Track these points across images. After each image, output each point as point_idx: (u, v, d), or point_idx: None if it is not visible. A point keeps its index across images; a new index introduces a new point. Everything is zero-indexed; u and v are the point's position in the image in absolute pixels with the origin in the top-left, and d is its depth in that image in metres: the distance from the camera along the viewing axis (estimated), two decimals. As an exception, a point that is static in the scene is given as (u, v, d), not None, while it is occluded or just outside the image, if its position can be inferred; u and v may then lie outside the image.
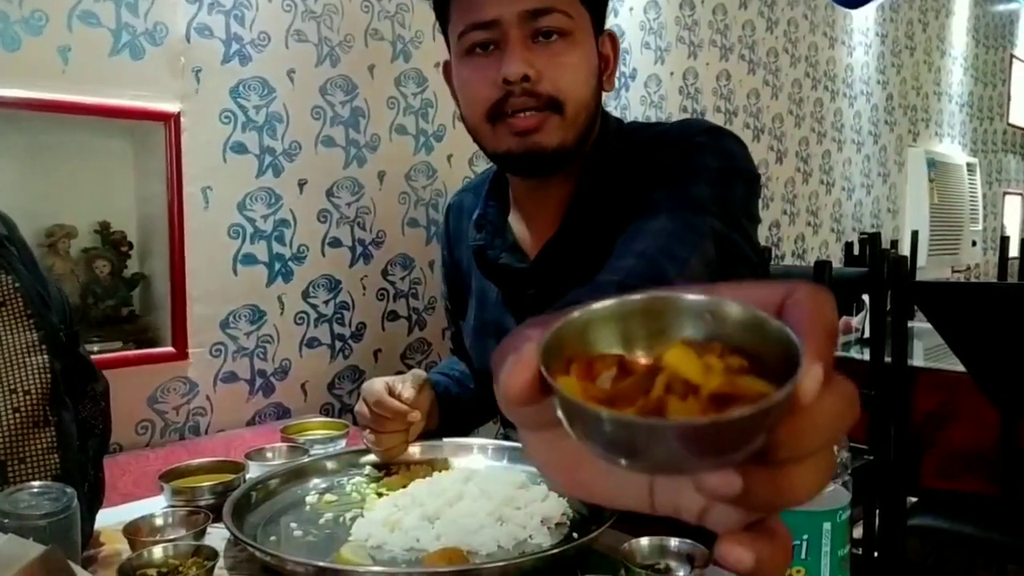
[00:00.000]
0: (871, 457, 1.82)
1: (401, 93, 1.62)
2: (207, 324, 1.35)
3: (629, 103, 2.25)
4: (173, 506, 0.87)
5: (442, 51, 1.04)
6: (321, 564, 0.71)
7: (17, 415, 0.71)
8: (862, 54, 3.45)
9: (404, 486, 0.90)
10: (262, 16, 1.40)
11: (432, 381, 1.05)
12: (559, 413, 0.27)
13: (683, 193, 0.85)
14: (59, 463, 0.73)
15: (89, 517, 0.78)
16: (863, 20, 3.44)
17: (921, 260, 3.71)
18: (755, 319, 0.27)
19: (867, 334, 2.26)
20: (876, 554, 1.83)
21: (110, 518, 0.84)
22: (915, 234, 3.57)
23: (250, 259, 1.41)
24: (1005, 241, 3.59)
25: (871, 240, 2.60)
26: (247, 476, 0.95)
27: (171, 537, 0.79)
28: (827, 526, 0.59)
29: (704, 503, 0.29)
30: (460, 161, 1.73)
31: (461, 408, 1.11)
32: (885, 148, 3.72)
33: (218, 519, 0.80)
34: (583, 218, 0.96)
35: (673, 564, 0.71)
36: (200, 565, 0.71)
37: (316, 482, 0.95)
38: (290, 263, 1.46)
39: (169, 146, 1.28)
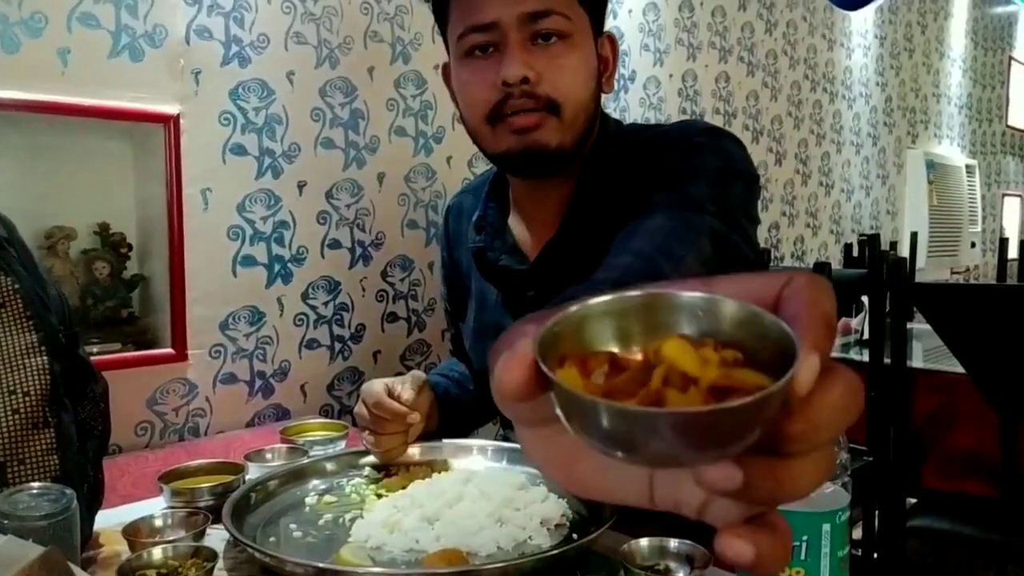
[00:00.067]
0: (871, 458, 1.82)
1: (400, 95, 1.62)
2: (206, 325, 1.35)
3: (628, 105, 2.25)
4: (172, 507, 0.87)
5: (441, 53, 1.04)
6: (320, 565, 0.71)
7: (16, 416, 0.71)
8: (861, 56, 3.46)
9: (403, 487, 0.90)
10: (261, 18, 1.40)
11: (431, 382, 1.04)
12: (556, 407, 0.27)
13: (681, 193, 0.85)
14: (58, 464, 0.73)
15: (88, 518, 0.78)
16: (862, 22, 3.44)
17: (920, 262, 3.71)
18: (751, 314, 0.27)
19: (866, 335, 2.26)
20: (876, 555, 1.84)
21: (109, 519, 0.84)
22: (914, 236, 3.57)
23: (249, 261, 1.41)
24: (1004, 243, 3.59)
25: (870, 242, 2.60)
26: (246, 477, 0.95)
27: (170, 538, 0.79)
28: (827, 527, 0.59)
29: (704, 497, 0.29)
30: (459, 163, 1.73)
31: (461, 409, 1.10)
32: (884, 150, 3.72)
33: (217, 520, 0.80)
34: (582, 220, 0.96)
35: (673, 565, 0.70)
36: (199, 566, 0.71)
37: (315, 483, 0.95)
38: (289, 265, 1.46)
39: (168, 148, 1.28)
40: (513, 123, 0.91)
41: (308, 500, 0.90)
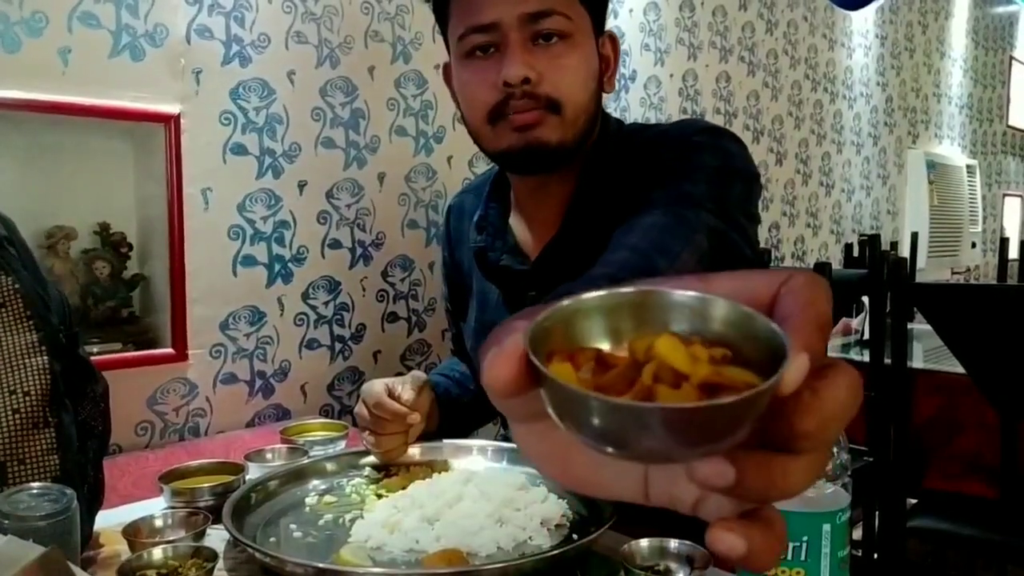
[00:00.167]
0: (871, 458, 1.82)
1: (401, 95, 1.62)
2: (207, 325, 1.35)
3: (629, 105, 2.25)
4: (173, 507, 0.87)
5: (442, 53, 1.04)
6: (321, 565, 0.71)
7: (17, 416, 0.71)
8: (862, 56, 3.45)
9: (404, 487, 0.90)
10: (262, 18, 1.40)
11: (432, 382, 1.04)
12: (546, 401, 0.27)
13: (680, 190, 0.85)
14: (59, 464, 0.73)
15: (88, 518, 0.78)
16: (863, 22, 3.44)
17: (921, 262, 3.71)
18: (741, 315, 0.28)
19: (867, 336, 2.26)
20: (876, 555, 1.84)
21: (110, 519, 0.84)
22: (915, 236, 3.57)
23: (250, 260, 1.41)
24: (1005, 243, 3.59)
25: (871, 242, 2.60)
26: (247, 477, 0.95)
27: (171, 538, 0.79)
28: (827, 527, 0.59)
29: (698, 493, 0.29)
30: (460, 163, 1.73)
31: (461, 409, 1.10)
32: (885, 150, 3.72)
33: (218, 520, 0.80)
34: (583, 219, 0.96)
35: (673, 566, 0.70)
36: (200, 566, 0.71)
37: (316, 483, 0.95)
38: (290, 264, 1.46)
39: (169, 147, 1.28)
40: (514, 121, 0.91)
41: (308, 500, 0.90)
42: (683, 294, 0.29)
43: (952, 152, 4.40)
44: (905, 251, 3.44)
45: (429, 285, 1.68)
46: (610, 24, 1.02)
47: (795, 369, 0.25)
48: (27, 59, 1.15)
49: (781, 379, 0.25)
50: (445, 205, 1.34)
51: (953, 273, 4.39)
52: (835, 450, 0.62)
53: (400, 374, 1.04)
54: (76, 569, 0.55)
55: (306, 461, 0.99)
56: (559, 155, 0.93)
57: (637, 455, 0.27)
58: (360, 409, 0.99)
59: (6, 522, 0.61)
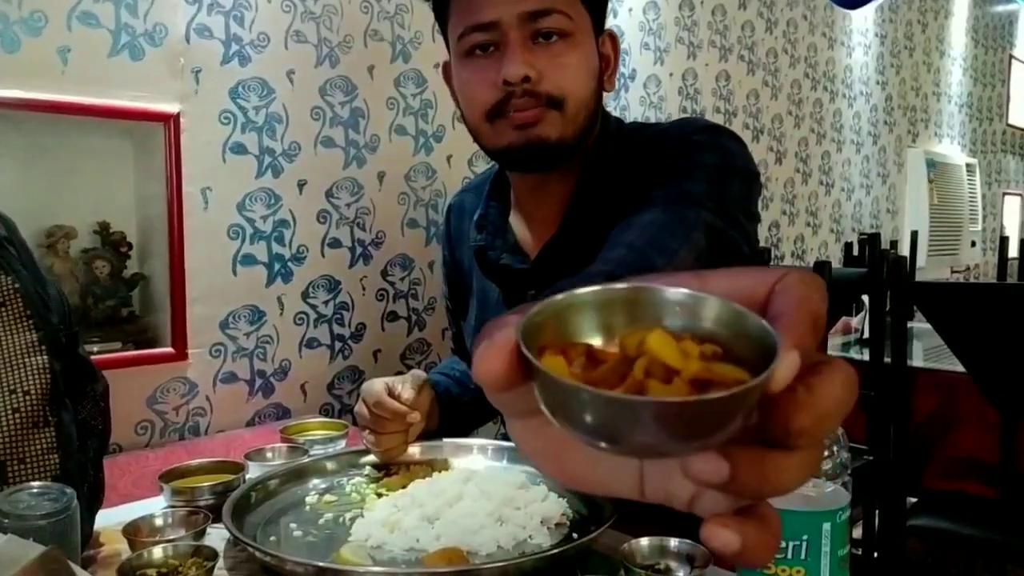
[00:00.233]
0: (871, 457, 1.82)
1: (400, 94, 1.62)
2: (207, 325, 1.35)
3: (628, 104, 2.25)
4: (173, 506, 0.87)
5: (441, 52, 1.04)
6: (321, 564, 0.71)
7: (17, 415, 0.71)
8: (861, 55, 3.45)
9: (404, 486, 0.90)
10: (261, 17, 1.40)
11: (432, 381, 1.05)
12: (538, 395, 0.27)
13: (679, 189, 0.85)
14: (59, 463, 0.73)
15: (89, 517, 0.78)
16: (862, 21, 3.44)
17: (920, 260, 3.71)
18: (733, 312, 0.28)
19: (866, 334, 2.26)
20: (876, 554, 1.84)
21: (110, 518, 0.84)
22: (914, 234, 3.57)
23: (250, 259, 1.41)
24: (1004, 241, 3.59)
25: (870, 240, 2.60)
26: (247, 476, 0.95)
27: (171, 537, 0.79)
28: (827, 526, 0.59)
29: (694, 489, 0.29)
30: (460, 162, 1.73)
31: (461, 408, 1.11)
32: (884, 149, 3.72)
33: (218, 519, 0.80)
34: (583, 218, 0.96)
35: (673, 564, 0.71)
36: (200, 565, 0.71)
37: (316, 482, 0.95)
38: (290, 264, 1.46)
39: (168, 147, 1.28)
40: (514, 119, 0.91)
41: (308, 499, 0.90)
42: (675, 291, 0.29)
43: (952, 151, 4.40)
44: (905, 250, 3.44)
45: (429, 284, 1.68)
46: (610, 23, 1.01)
47: (785, 366, 0.25)
48: (26, 58, 1.14)
49: (771, 376, 0.25)
50: (445, 204, 1.34)
51: (953, 272, 4.39)
52: (835, 448, 0.62)
53: (400, 373, 1.04)
54: (76, 568, 0.55)
55: (306, 460, 0.99)
56: (559, 152, 0.93)
57: (628, 449, 0.27)
58: (360, 408, 0.99)
59: (6, 521, 0.61)
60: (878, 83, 3.62)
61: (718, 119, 2.58)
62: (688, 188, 0.85)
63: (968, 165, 4.45)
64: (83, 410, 0.81)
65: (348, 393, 1.56)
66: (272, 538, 0.81)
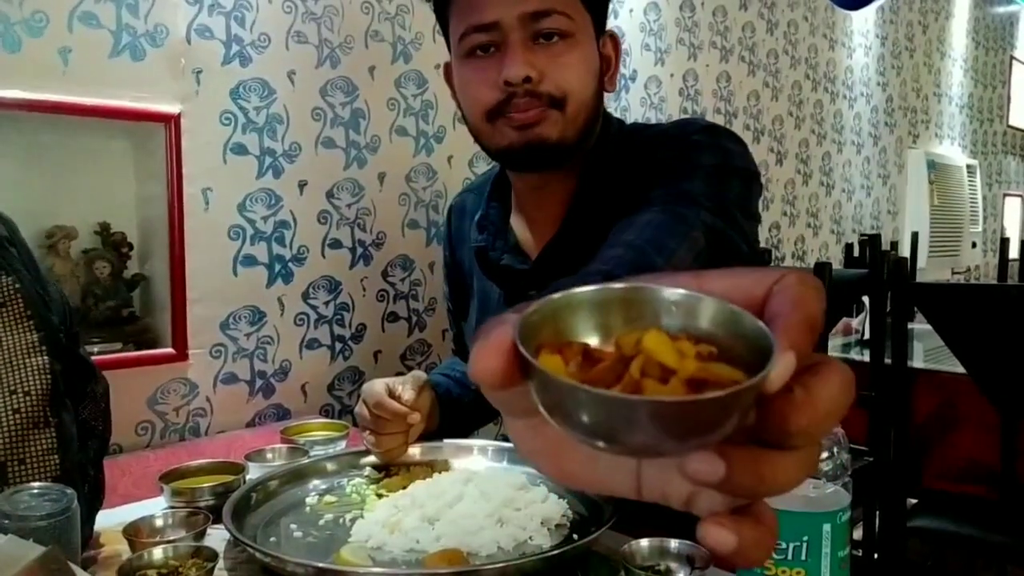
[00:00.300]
0: (871, 459, 1.82)
1: (401, 94, 1.62)
2: (207, 325, 1.35)
3: (629, 104, 2.25)
4: (173, 507, 0.87)
5: (442, 52, 1.04)
6: (321, 565, 0.71)
7: (17, 416, 0.71)
8: (862, 56, 3.45)
9: (404, 487, 0.90)
10: (262, 17, 1.40)
11: (432, 382, 1.05)
12: (534, 393, 0.27)
13: (678, 189, 0.85)
14: (59, 464, 0.73)
15: (89, 518, 0.78)
16: (863, 22, 3.44)
17: (921, 261, 3.71)
18: (729, 313, 0.28)
19: (867, 335, 2.26)
20: (876, 555, 1.83)
21: (110, 519, 0.84)
22: (915, 235, 3.57)
23: (250, 260, 1.41)
24: (1005, 243, 3.59)
25: (871, 241, 2.60)
26: (247, 477, 0.95)
27: (171, 538, 0.79)
28: (827, 527, 0.59)
29: (691, 489, 0.29)
30: (460, 162, 1.73)
31: (462, 409, 1.11)
32: (885, 150, 3.72)
33: (218, 520, 0.80)
34: (584, 218, 0.96)
35: (673, 565, 0.70)
36: (200, 566, 0.71)
37: (316, 483, 0.95)
38: (290, 264, 1.46)
39: (169, 147, 1.28)
40: (515, 119, 0.91)
41: (309, 500, 0.90)
42: (672, 291, 0.29)
43: (952, 152, 4.39)
44: (905, 251, 3.44)
45: (429, 285, 1.68)
46: (610, 24, 1.01)
47: (781, 367, 0.25)
48: (28, 59, 1.15)
49: (767, 377, 0.25)
50: (446, 205, 1.34)
51: (953, 273, 4.39)
52: (835, 450, 0.62)
53: (400, 374, 1.04)
54: (76, 569, 0.55)
55: (306, 461, 0.99)
56: (560, 152, 0.93)
57: (624, 449, 0.27)
58: (360, 409, 0.99)
59: (6, 522, 0.61)
60: (879, 84, 3.62)
61: (719, 120, 2.58)
62: (687, 188, 0.85)
63: (969, 166, 4.45)
64: (83, 411, 0.81)
65: (348, 394, 1.56)
66: (272, 539, 0.81)
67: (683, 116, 2.43)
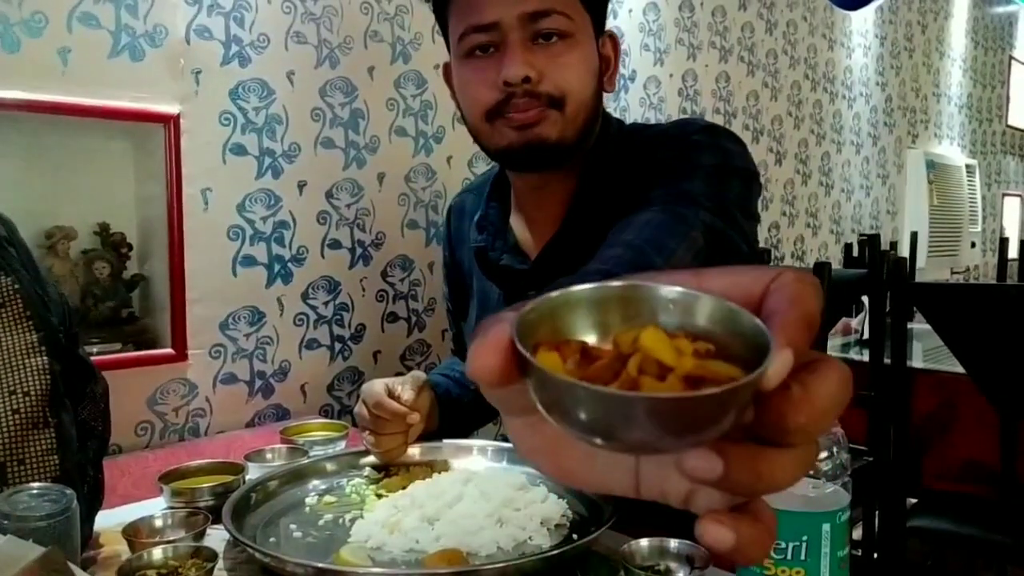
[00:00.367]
0: (871, 458, 1.82)
1: (400, 95, 1.62)
2: (206, 326, 1.35)
3: (628, 105, 2.25)
4: (173, 507, 0.87)
5: (441, 53, 1.04)
6: (320, 565, 0.71)
7: (16, 416, 0.71)
8: (861, 56, 3.45)
9: (403, 487, 0.90)
10: (261, 18, 1.40)
11: (432, 382, 1.05)
12: (532, 391, 0.27)
13: (678, 189, 0.85)
14: (58, 464, 0.73)
15: (88, 518, 0.78)
16: (862, 22, 3.44)
17: (920, 261, 3.71)
18: (727, 311, 0.28)
19: (866, 335, 2.26)
20: (876, 555, 1.84)
21: (110, 519, 0.84)
22: (914, 235, 3.57)
23: (249, 260, 1.41)
24: (1004, 242, 3.59)
25: (870, 241, 2.60)
26: (247, 477, 0.95)
27: (171, 538, 0.79)
28: (827, 527, 0.59)
29: (689, 487, 0.29)
30: (460, 163, 1.73)
31: (461, 410, 1.10)
32: (884, 150, 3.72)
33: (218, 520, 0.80)
34: (583, 219, 0.96)
35: (673, 565, 0.70)
36: (200, 566, 0.71)
37: (315, 483, 0.95)
38: (289, 264, 1.46)
39: (169, 148, 1.28)
40: (514, 119, 0.91)
41: (308, 500, 0.90)
42: (670, 289, 0.29)
43: (952, 152, 4.40)
44: (905, 251, 3.44)
45: (429, 285, 1.68)
46: (609, 24, 1.01)
47: (779, 364, 0.25)
48: (27, 59, 1.14)
49: (764, 374, 0.25)
50: (445, 205, 1.34)
51: (953, 273, 4.39)
52: (835, 449, 0.62)
53: (400, 374, 1.04)
54: (76, 569, 0.55)
55: (306, 461, 0.99)
56: (559, 152, 0.93)
57: (622, 446, 0.27)
58: (360, 409, 0.99)
59: (6, 522, 0.61)
60: (878, 84, 3.62)
61: (718, 120, 2.58)
62: (687, 188, 0.85)
63: (968, 166, 4.45)
64: (83, 411, 0.81)
65: (348, 394, 1.56)
66: (272, 539, 0.81)
67: (682, 116, 2.43)
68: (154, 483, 0.93)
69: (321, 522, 0.84)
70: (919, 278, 3.44)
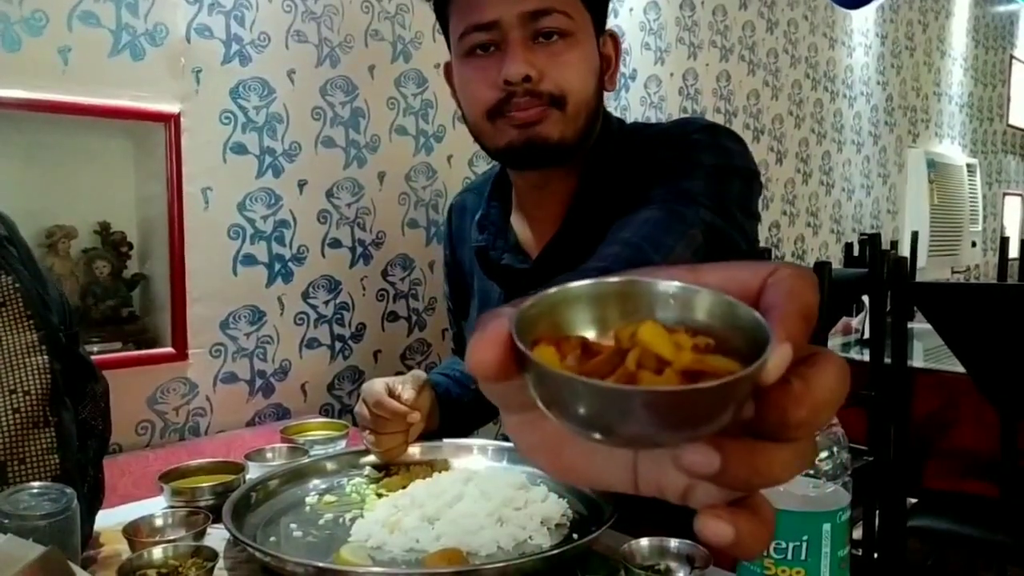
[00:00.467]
0: (871, 458, 1.82)
1: (401, 94, 1.62)
2: (207, 325, 1.35)
3: (629, 104, 2.25)
4: (173, 507, 0.87)
5: (442, 51, 1.04)
6: (321, 565, 0.71)
7: (17, 416, 0.71)
8: (862, 55, 3.45)
9: (404, 487, 0.90)
10: (262, 17, 1.40)
11: (432, 382, 1.05)
12: (531, 386, 0.27)
13: (677, 187, 0.85)
14: (59, 464, 0.73)
15: (89, 518, 0.78)
16: (863, 21, 3.44)
17: (921, 261, 3.71)
18: (725, 304, 0.28)
19: (867, 335, 2.26)
20: (876, 555, 1.84)
21: (110, 519, 0.84)
22: (915, 235, 3.57)
23: (250, 260, 1.41)
24: (1005, 242, 3.59)
25: (871, 241, 2.60)
26: (247, 477, 0.95)
27: (171, 538, 0.79)
28: (827, 527, 0.59)
29: (687, 482, 0.29)
30: (460, 162, 1.73)
31: (461, 409, 1.11)
32: (885, 149, 3.72)
33: (218, 520, 0.80)
34: (584, 218, 0.96)
35: (673, 565, 0.70)
36: (200, 566, 0.71)
37: (316, 483, 0.95)
38: (290, 264, 1.46)
39: (169, 147, 1.28)
40: (515, 117, 0.91)
41: (308, 500, 0.90)
42: (668, 284, 0.29)
43: (952, 151, 4.39)
44: (905, 250, 3.43)
45: (429, 284, 1.68)
46: (610, 23, 1.01)
47: (778, 358, 0.25)
48: (27, 58, 1.14)
49: (763, 368, 0.25)
50: (446, 204, 1.34)
51: (953, 272, 4.39)
52: (835, 449, 0.62)
53: (400, 373, 1.04)
54: (76, 569, 0.55)
55: (306, 460, 0.99)
56: (560, 151, 0.93)
57: (620, 440, 0.27)
58: (360, 408, 0.99)
59: (6, 521, 0.61)
60: (879, 83, 3.62)
61: (719, 119, 2.58)
62: (687, 186, 0.85)
63: (968, 165, 4.45)
64: (83, 410, 0.81)
65: (348, 393, 1.56)
66: (272, 538, 0.81)
67: (683, 115, 2.43)
68: (154, 482, 0.93)
69: (321, 521, 0.84)
70: (919, 277, 3.44)
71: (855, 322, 2.55)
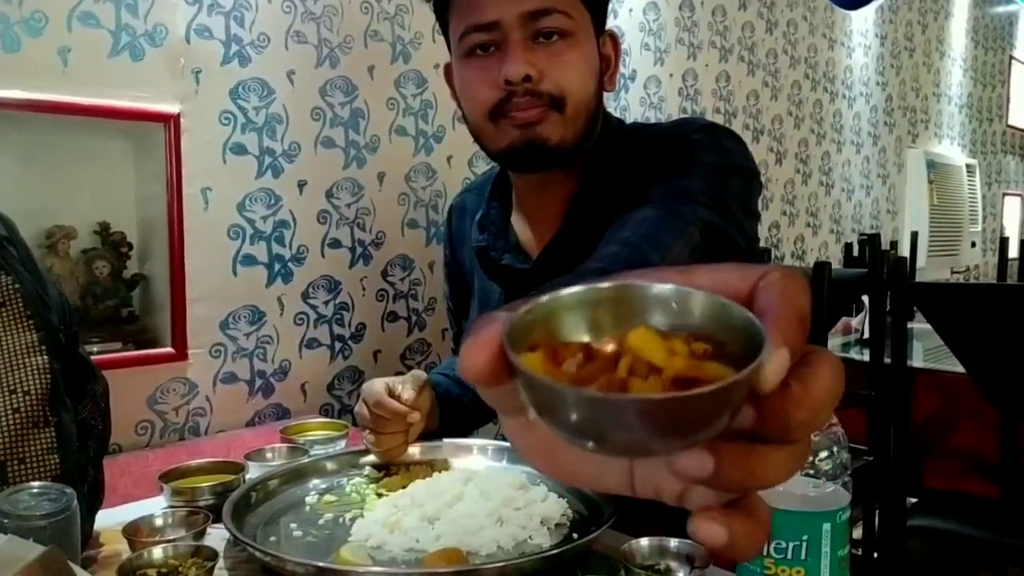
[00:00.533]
0: (871, 458, 1.82)
1: (401, 94, 1.62)
2: (207, 325, 1.35)
3: (629, 104, 2.25)
4: (173, 506, 0.87)
5: (442, 52, 1.04)
6: (321, 564, 0.71)
7: (17, 415, 0.71)
8: (861, 55, 3.45)
9: (404, 487, 0.90)
10: (262, 17, 1.40)
11: (432, 382, 1.05)
12: (521, 392, 0.27)
13: (676, 186, 0.85)
14: (59, 463, 0.73)
15: (89, 518, 0.78)
16: (862, 22, 3.44)
17: (921, 261, 3.71)
18: (720, 307, 0.27)
19: (867, 335, 2.26)
20: (876, 555, 1.84)
21: (110, 518, 0.84)
22: (914, 235, 3.57)
23: (250, 260, 1.41)
24: (1004, 242, 3.59)
25: (870, 241, 2.59)
26: (247, 477, 0.95)
27: (171, 537, 0.79)
28: (827, 527, 0.59)
29: (683, 484, 0.29)
30: (460, 162, 1.73)
31: (461, 409, 1.10)
32: (884, 149, 3.72)
33: (218, 519, 0.80)
34: (584, 218, 0.96)
35: (673, 565, 0.70)
36: (200, 565, 0.71)
37: (316, 483, 0.95)
38: (290, 264, 1.46)
39: (169, 147, 1.28)
40: (516, 117, 0.91)
41: (308, 499, 0.90)
42: (663, 287, 0.28)
43: (952, 151, 4.40)
44: (905, 250, 3.43)
45: (429, 284, 1.68)
46: (610, 23, 1.01)
47: (776, 364, 0.25)
48: (27, 59, 1.14)
49: (760, 375, 0.25)
50: (445, 204, 1.34)
51: (953, 272, 4.39)
52: (835, 449, 0.62)
53: (400, 373, 1.04)
54: (76, 568, 0.55)
55: (306, 460, 0.99)
56: (560, 153, 0.93)
57: (612, 448, 0.27)
58: (360, 408, 0.99)
59: (6, 521, 0.61)
60: (878, 84, 3.62)
61: (718, 120, 2.58)
62: (685, 185, 0.85)
63: (968, 166, 4.45)
64: (83, 410, 0.81)
65: (348, 393, 1.56)
66: (272, 538, 0.81)
67: (682, 116, 2.43)
68: (154, 482, 0.93)
69: (321, 521, 0.84)
70: (919, 278, 3.44)
71: (855, 322, 2.56)
